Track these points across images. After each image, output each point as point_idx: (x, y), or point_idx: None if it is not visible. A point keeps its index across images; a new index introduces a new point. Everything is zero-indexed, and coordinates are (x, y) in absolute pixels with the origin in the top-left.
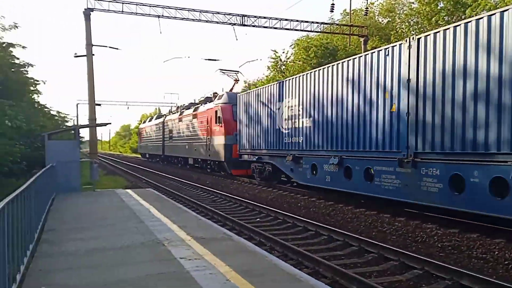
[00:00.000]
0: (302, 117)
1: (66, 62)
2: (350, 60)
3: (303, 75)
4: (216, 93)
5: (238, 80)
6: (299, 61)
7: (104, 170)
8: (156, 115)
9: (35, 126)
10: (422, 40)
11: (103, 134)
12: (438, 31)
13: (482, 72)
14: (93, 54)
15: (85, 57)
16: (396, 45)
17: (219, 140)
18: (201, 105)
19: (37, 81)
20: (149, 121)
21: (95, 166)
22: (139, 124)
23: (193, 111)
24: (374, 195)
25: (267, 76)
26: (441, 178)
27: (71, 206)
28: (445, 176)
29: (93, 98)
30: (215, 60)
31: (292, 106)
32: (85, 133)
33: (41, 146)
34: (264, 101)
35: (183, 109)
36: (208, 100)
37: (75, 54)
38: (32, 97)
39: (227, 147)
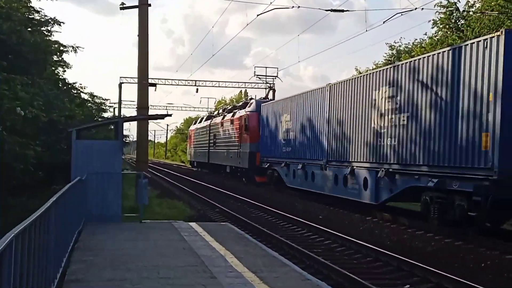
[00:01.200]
0: (291, 131)
1: (106, 24)
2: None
3: (297, 95)
4: (252, 98)
5: (272, 88)
6: (492, 9)
7: (156, 188)
8: (206, 116)
9: (59, 116)
10: None
11: (157, 132)
12: None
13: None
14: (149, 4)
15: (136, 9)
16: None
17: (245, 148)
18: (238, 110)
19: (65, 47)
20: (199, 122)
21: (144, 183)
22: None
23: (231, 116)
24: (312, 190)
25: (431, 37)
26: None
27: (106, 244)
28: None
29: (146, 73)
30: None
31: (287, 121)
32: (131, 130)
33: (65, 149)
34: (275, 112)
35: (225, 112)
36: (245, 105)
37: (122, 4)
38: (56, 71)
39: (252, 154)
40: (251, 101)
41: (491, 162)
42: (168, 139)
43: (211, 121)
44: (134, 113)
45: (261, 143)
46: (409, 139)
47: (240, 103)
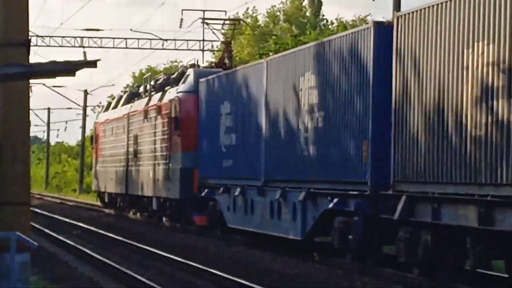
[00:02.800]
0: (233, 132)
1: None
2: None
3: (236, 70)
4: (194, 65)
5: (230, 43)
6: None
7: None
8: (126, 94)
9: None
10: None
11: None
12: None
13: None
14: None
15: None
16: None
17: (175, 161)
18: (170, 87)
19: None
20: (114, 107)
21: (19, 266)
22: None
23: (159, 99)
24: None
25: None
26: None
27: None
28: None
29: None
30: None
31: (227, 113)
32: None
33: None
34: (217, 95)
35: (156, 88)
36: (179, 78)
37: None
38: None
39: (185, 173)
40: (188, 71)
41: (366, 175)
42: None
43: (131, 106)
44: None
45: (200, 152)
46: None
47: (175, 74)
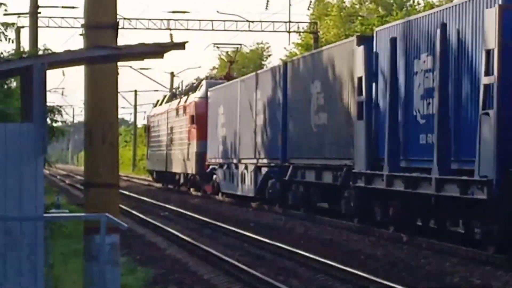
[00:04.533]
0: (224, 126)
1: None
2: None
3: (227, 84)
4: (212, 78)
5: (233, 62)
6: None
7: (143, 258)
8: (168, 94)
9: None
10: None
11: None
12: None
13: None
14: None
15: None
16: None
17: (193, 147)
18: (191, 92)
19: None
20: (160, 104)
21: (109, 248)
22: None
23: (185, 101)
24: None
25: None
26: None
27: None
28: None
29: None
30: None
31: (222, 114)
32: (69, 96)
33: None
34: (218, 101)
35: (189, 90)
36: (197, 86)
37: None
38: None
39: (199, 155)
40: (202, 82)
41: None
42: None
43: (170, 105)
44: (78, 43)
45: (209, 141)
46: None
47: (196, 83)
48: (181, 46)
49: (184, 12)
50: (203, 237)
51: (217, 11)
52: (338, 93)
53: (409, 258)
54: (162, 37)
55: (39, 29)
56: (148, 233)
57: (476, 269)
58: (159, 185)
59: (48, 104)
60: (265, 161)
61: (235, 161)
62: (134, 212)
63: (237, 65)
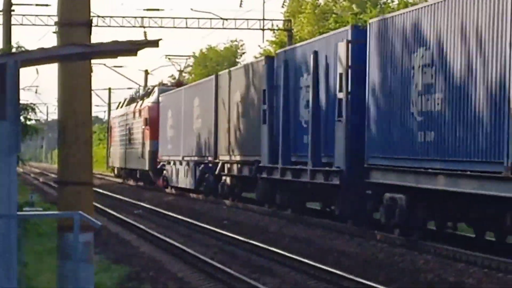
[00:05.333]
0: (172, 128)
1: None
2: None
3: (175, 91)
4: (164, 84)
5: (182, 71)
6: None
7: (116, 257)
8: (129, 98)
9: None
10: None
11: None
12: None
13: None
14: None
15: None
16: None
17: (147, 146)
18: (146, 97)
19: None
20: (121, 106)
21: (84, 247)
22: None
23: (140, 105)
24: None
25: None
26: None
27: None
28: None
29: None
30: None
31: (170, 117)
32: (43, 93)
33: None
34: (166, 106)
35: (145, 95)
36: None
37: None
38: None
39: (152, 154)
40: (155, 89)
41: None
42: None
43: (128, 108)
44: (52, 41)
45: (160, 141)
46: None
47: (150, 89)
48: (154, 43)
49: (158, 10)
50: (177, 234)
51: (191, 9)
52: (252, 103)
53: (383, 255)
54: (136, 35)
55: (12, 27)
56: (122, 231)
57: (450, 266)
58: (132, 183)
59: (21, 102)
60: (201, 158)
61: (179, 158)
62: (108, 210)
63: (211, 63)
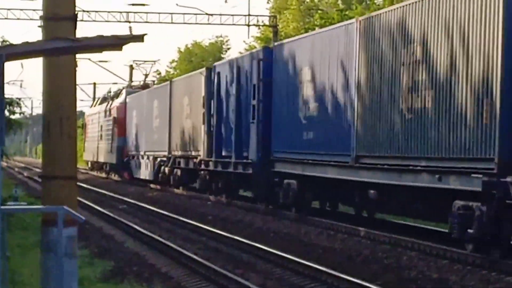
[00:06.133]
0: (138, 126)
1: None
2: None
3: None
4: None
5: (148, 75)
6: None
7: (99, 252)
8: (101, 97)
9: None
10: None
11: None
12: None
13: None
14: None
15: None
16: None
17: (115, 142)
18: (115, 98)
19: None
20: (95, 105)
21: (67, 241)
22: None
23: (110, 105)
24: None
25: None
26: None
27: None
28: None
29: None
30: None
31: (135, 116)
32: (28, 89)
33: None
34: (133, 107)
35: (115, 96)
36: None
37: None
38: None
39: (119, 149)
40: (123, 90)
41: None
42: None
43: (100, 107)
44: (37, 35)
45: (127, 137)
46: None
47: (120, 91)
48: (139, 38)
49: (143, 5)
50: (161, 229)
51: (177, 4)
52: (196, 107)
53: (367, 251)
54: (121, 30)
55: None
56: (105, 226)
57: (434, 263)
58: (118, 178)
59: (6, 96)
60: (159, 153)
61: (142, 153)
62: (92, 204)
63: (196, 58)
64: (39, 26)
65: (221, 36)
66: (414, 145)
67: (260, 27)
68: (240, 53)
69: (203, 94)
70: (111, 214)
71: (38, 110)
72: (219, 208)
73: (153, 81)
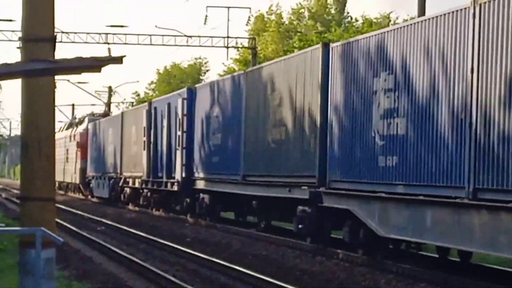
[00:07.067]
0: (96, 150)
1: None
2: None
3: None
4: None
5: (108, 104)
6: None
7: (77, 273)
8: (68, 123)
9: None
10: None
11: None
12: None
13: None
14: None
15: None
16: None
17: (78, 164)
18: (79, 125)
19: None
20: (61, 130)
21: (45, 262)
22: None
23: (74, 131)
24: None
25: None
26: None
27: None
28: None
29: None
30: None
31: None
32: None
33: None
34: (93, 133)
35: (78, 123)
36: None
37: None
38: None
39: (82, 170)
40: (85, 118)
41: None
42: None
43: (67, 132)
44: (15, 57)
45: (88, 160)
46: None
47: (83, 118)
48: (118, 60)
49: (122, 26)
50: (139, 251)
51: (156, 26)
52: (140, 135)
53: (345, 274)
54: (101, 51)
55: None
56: (84, 248)
57: (412, 285)
58: (94, 199)
59: None
60: (112, 174)
61: (100, 174)
62: (70, 226)
63: (175, 80)
64: (17, 48)
65: (200, 58)
66: (276, 166)
67: (239, 49)
68: (220, 75)
69: (144, 124)
70: (90, 236)
71: (17, 131)
72: (198, 230)
73: (132, 103)
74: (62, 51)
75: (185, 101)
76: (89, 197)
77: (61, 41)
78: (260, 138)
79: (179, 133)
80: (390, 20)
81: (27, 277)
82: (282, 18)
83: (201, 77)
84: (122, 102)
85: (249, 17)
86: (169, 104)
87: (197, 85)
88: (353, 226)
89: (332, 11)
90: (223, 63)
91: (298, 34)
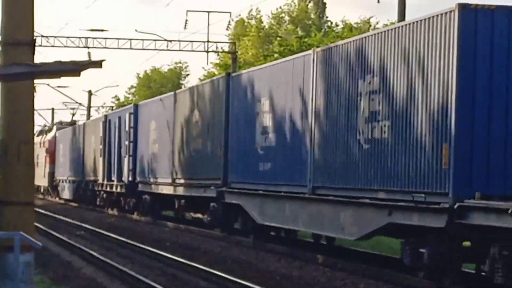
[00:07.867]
0: (62, 156)
1: None
2: None
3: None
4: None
5: (74, 114)
6: None
7: (56, 275)
8: (39, 130)
9: None
10: None
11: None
12: None
13: None
14: None
15: None
16: None
17: (47, 168)
18: (49, 132)
19: None
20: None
21: (23, 266)
22: None
23: (45, 137)
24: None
25: None
26: None
27: None
28: None
29: None
30: None
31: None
32: None
33: None
34: (61, 140)
35: (47, 131)
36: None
37: None
38: None
39: (50, 174)
40: (54, 126)
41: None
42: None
43: (38, 139)
44: None
45: (56, 165)
46: None
47: (52, 126)
48: (98, 64)
49: (102, 30)
50: (118, 255)
51: (136, 30)
52: (98, 144)
53: (325, 279)
54: (81, 55)
55: None
56: (63, 252)
57: None
58: (75, 204)
59: None
60: (76, 178)
61: (65, 178)
62: (49, 230)
63: (155, 84)
64: None
65: (180, 62)
66: (197, 171)
67: (219, 53)
68: (200, 79)
69: (101, 134)
70: (69, 240)
71: None
72: (177, 234)
73: (112, 107)
74: (42, 55)
75: (131, 115)
76: (57, 198)
77: (40, 45)
78: (185, 148)
79: (126, 142)
80: (370, 25)
81: (6, 281)
82: (262, 22)
83: (181, 82)
84: (102, 106)
85: (229, 21)
86: (119, 118)
87: (140, 103)
88: (243, 217)
89: (312, 15)
90: (203, 68)
91: (278, 38)
